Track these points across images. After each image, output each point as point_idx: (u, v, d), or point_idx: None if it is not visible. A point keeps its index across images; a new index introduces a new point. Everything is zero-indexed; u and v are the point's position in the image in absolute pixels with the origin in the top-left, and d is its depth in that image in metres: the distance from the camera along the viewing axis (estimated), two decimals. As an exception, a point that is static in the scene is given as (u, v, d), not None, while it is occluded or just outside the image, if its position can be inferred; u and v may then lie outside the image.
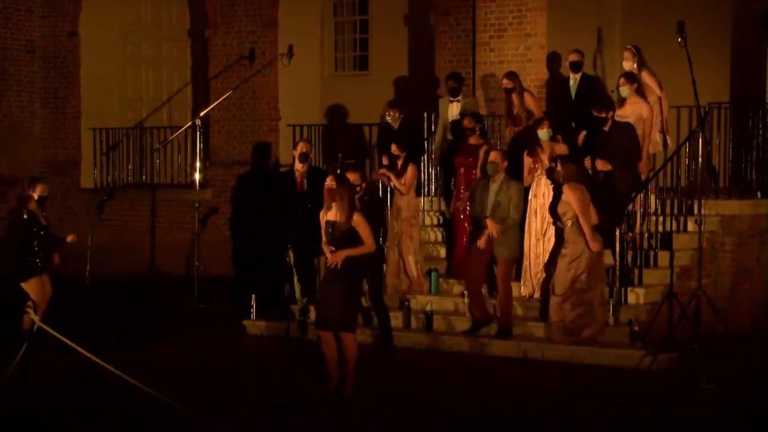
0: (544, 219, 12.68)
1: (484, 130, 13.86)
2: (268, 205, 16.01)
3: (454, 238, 13.75)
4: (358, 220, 10.08)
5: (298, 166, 13.61)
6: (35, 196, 12.19)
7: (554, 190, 12.33)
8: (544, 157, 12.66)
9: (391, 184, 13.55)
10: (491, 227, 12.27)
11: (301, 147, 13.76)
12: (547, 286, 12.36)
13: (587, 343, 11.82)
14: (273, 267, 14.36)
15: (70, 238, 12.43)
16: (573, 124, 13.66)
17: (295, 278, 13.55)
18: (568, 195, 11.88)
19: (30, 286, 12.08)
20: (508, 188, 12.32)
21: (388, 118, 14.18)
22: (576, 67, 13.87)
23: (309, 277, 13.38)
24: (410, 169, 13.51)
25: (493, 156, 12.41)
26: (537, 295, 12.71)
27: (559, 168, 11.98)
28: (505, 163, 12.46)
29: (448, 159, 14.33)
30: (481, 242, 12.37)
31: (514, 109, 13.99)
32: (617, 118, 12.77)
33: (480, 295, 12.51)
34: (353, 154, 15.73)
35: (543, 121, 13.01)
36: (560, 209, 12.00)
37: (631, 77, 13.05)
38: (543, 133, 12.78)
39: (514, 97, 14.00)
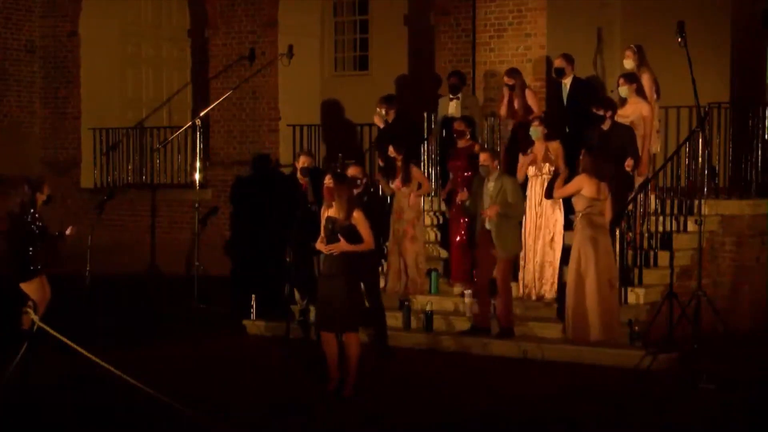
0: (539, 219, 12.69)
1: (475, 133, 13.86)
2: (268, 206, 16.01)
3: (450, 241, 13.76)
4: (358, 217, 10.09)
5: (302, 179, 13.56)
6: (43, 197, 12.17)
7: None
8: (539, 155, 12.72)
9: (411, 197, 13.48)
10: (491, 210, 12.20)
11: (303, 161, 13.63)
12: (561, 285, 12.37)
13: (587, 343, 11.82)
14: (273, 267, 14.36)
15: (69, 231, 12.33)
16: (567, 129, 13.66)
17: (294, 280, 13.55)
18: (581, 183, 11.86)
19: (30, 287, 12.07)
20: (503, 184, 12.28)
21: (377, 116, 14.23)
22: (559, 73, 13.84)
23: (308, 278, 13.37)
24: (415, 171, 13.52)
25: (483, 158, 12.34)
26: (548, 295, 12.70)
27: (581, 159, 11.96)
28: (496, 162, 12.44)
29: (444, 160, 14.36)
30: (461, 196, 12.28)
31: (515, 104, 14.02)
32: (618, 118, 12.77)
33: (488, 302, 12.48)
34: (353, 154, 15.73)
35: (535, 119, 13.02)
36: (573, 200, 12.01)
37: (630, 77, 13.04)
38: (534, 131, 12.79)
39: (514, 94, 14.03)
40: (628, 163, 12.51)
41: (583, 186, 11.86)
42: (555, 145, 12.78)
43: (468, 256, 13.27)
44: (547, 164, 12.76)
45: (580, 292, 11.86)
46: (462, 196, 12.87)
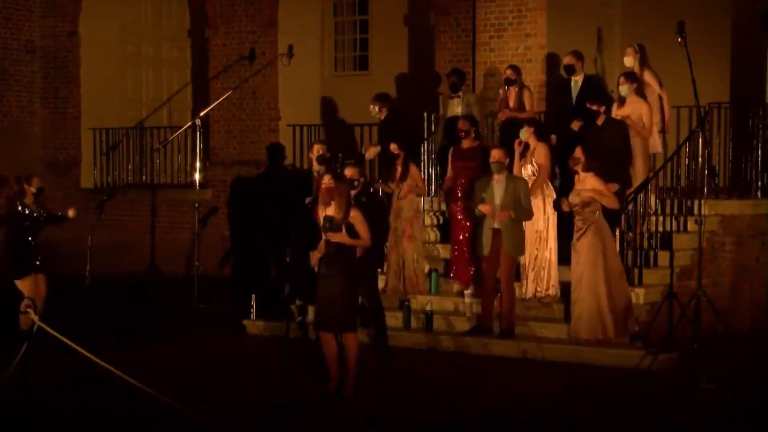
0: (539, 219, 12.70)
1: (479, 132, 13.86)
2: (268, 206, 16.00)
3: (451, 240, 13.73)
4: (355, 215, 10.10)
5: (316, 167, 13.59)
6: (33, 190, 12.21)
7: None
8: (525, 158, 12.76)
9: (399, 192, 13.47)
10: (502, 213, 12.15)
11: (317, 149, 13.70)
12: (565, 285, 12.38)
13: (587, 344, 11.82)
14: (273, 267, 14.35)
15: (71, 213, 12.39)
16: (574, 127, 13.62)
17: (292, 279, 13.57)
18: (594, 182, 11.84)
19: (24, 284, 12.07)
20: (514, 185, 12.26)
21: (372, 113, 14.27)
22: (569, 70, 13.83)
23: (306, 278, 13.37)
24: (414, 170, 13.54)
25: (497, 155, 12.30)
26: (551, 293, 12.69)
27: (579, 156, 11.91)
28: (508, 160, 12.41)
29: (444, 159, 14.36)
30: (485, 208, 12.22)
31: (510, 101, 14.05)
32: (617, 117, 12.78)
33: (492, 303, 12.46)
34: (353, 154, 15.74)
35: (528, 127, 12.98)
36: (584, 198, 11.90)
37: (631, 77, 13.04)
38: (521, 132, 12.80)
39: (513, 89, 14.05)
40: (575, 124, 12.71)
41: (599, 185, 11.86)
42: (540, 148, 12.77)
43: (471, 256, 13.23)
44: (530, 165, 12.77)
45: (599, 290, 11.80)
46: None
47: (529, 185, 12.57)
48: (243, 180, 18.10)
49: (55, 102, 20.14)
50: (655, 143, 13.30)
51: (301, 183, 14.04)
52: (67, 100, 20.03)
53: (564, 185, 12.97)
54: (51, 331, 9.77)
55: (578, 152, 11.90)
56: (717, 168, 13.72)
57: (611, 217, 12.13)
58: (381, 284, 13.21)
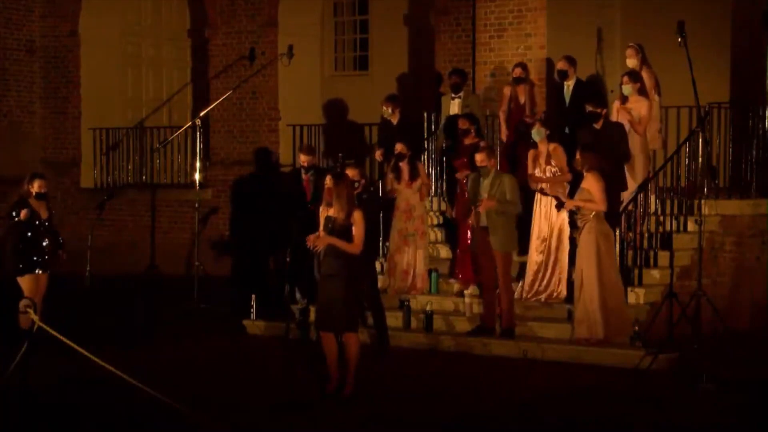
0: (550, 222, 12.68)
1: (479, 130, 13.86)
2: (268, 206, 16.01)
3: (456, 239, 13.73)
4: (357, 218, 10.06)
5: (305, 176, 13.63)
6: (33, 191, 12.25)
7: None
8: (542, 161, 12.71)
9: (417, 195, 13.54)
10: (485, 204, 12.18)
11: (303, 160, 13.81)
12: (570, 287, 12.37)
13: (588, 344, 11.82)
14: (273, 267, 14.35)
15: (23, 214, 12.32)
16: (567, 129, 13.66)
17: (294, 280, 13.57)
18: (591, 183, 11.83)
19: (24, 282, 12.08)
20: (500, 182, 12.26)
21: (385, 114, 14.28)
22: (563, 75, 13.85)
23: (307, 278, 13.38)
24: (422, 169, 13.59)
25: (479, 159, 12.28)
26: (560, 294, 12.68)
27: (579, 158, 11.93)
28: (493, 161, 12.41)
29: (446, 158, 14.37)
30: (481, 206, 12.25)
31: (521, 98, 14.04)
32: (621, 113, 12.78)
33: (494, 303, 12.46)
34: (353, 154, 15.75)
35: (536, 121, 13.03)
36: (580, 198, 11.93)
37: (634, 76, 13.05)
38: (537, 132, 12.78)
39: (522, 87, 14.06)
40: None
41: (599, 184, 11.85)
42: (558, 149, 12.77)
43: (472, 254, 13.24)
44: (549, 167, 12.74)
45: (601, 290, 11.80)
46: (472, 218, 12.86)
47: (548, 186, 12.58)
48: (243, 180, 18.11)
49: (55, 102, 20.15)
50: (655, 140, 13.31)
51: (301, 183, 14.05)
52: (67, 100, 20.04)
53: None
54: (51, 331, 9.76)
55: (578, 155, 11.94)
56: (716, 168, 13.71)
57: (612, 216, 12.13)
58: (381, 284, 13.22)
